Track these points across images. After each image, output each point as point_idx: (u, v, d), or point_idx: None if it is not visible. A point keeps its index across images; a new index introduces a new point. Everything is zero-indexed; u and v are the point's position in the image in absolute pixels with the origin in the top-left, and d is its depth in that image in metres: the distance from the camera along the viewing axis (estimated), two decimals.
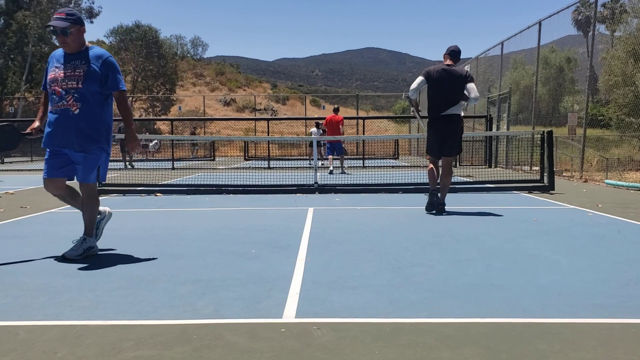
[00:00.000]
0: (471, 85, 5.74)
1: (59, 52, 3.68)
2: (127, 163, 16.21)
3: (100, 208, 4.02)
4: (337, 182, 9.26)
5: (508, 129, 14.66)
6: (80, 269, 3.41)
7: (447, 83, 5.72)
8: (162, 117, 35.72)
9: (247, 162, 21.06)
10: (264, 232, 4.72)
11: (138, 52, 37.65)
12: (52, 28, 3.54)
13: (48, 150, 3.71)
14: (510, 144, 14.48)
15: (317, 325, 2.33)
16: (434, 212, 5.77)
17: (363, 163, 16.64)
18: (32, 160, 22.58)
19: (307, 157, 19.30)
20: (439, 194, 5.84)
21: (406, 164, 17.20)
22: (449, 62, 5.90)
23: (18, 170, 16.23)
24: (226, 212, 6.14)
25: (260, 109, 45.35)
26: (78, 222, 5.48)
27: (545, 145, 8.14)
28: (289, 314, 2.48)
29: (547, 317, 2.42)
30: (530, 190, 8.20)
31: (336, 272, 3.27)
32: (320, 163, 14.63)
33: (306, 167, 14.74)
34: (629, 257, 3.63)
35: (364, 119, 22.82)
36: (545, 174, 8.20)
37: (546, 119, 14.22)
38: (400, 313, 2.49)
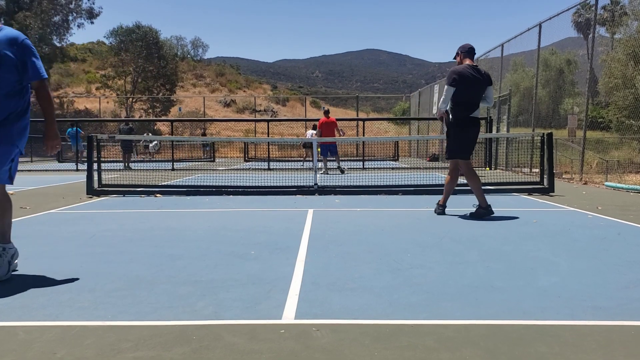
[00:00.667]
0: (491, 89, 5.64)
1: None
2: (126, 164, 16.19)
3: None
4: (337, 184, 9.26)
5: (508, 131, 14.66)
6: (79, 269, 3.40)
7: (478, 84, 5.54)
8: (162, 117, 35.71)
9: (247, 163, 21.07)
10: (264, 234, 4.71)
11: (138, 52, 37.61)
12: None
13: None
14: (510, 145, 14.48)
15: (316, 327, 2.32)
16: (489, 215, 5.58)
17: (363, 164, 16.64)
18: (32, 161, 22.57)
19: (302, 159, 19.38)
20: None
21: (406, 166, 17.21)
22: (469, 61, 5.66)
23: (17, 170, 16.19)
24: (226, 213, 6.13)
25: (260, 110, 45.35)
26: (78, 222, 5.49)
27: (545, 147, 8.14)
28: (289, 315, 2.48)
29: (546, 319, 2.42)
30: (530, 192, 8.20)
31: (336, 273, 3.27)
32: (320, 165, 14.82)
33: (306, 169, 14.74)
34: (628, 260, 3.62)
35: (364, 120, 22.83)
36: (545, 176, 8.20)
37: (546, 121, 14.22)
38: (400, 314, 2.49)
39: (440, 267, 3.41)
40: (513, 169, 13.66)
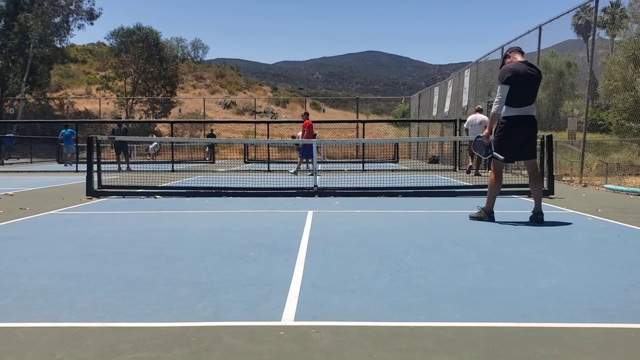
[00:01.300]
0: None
1: None
2: (121, 166, 16.10)
3: None
4: (336, 186, 9.26)
5: None
6: (79, 271, 3.40)
7: (532, 80, 5.31)
8: (162, 119, 35.73)
9: (247, 164, 21.06)
10: (264, 235, 4.71)
11: (139, 54, 37.65)
12: None
13: None
14: None
15: (316, 329, 2.32)
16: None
17: (363, 166, 16.64)
18: (31, 162, 22.58)
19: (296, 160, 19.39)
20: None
21: (406, 168, 17.21)
22: (520, 58, 5.46)
23: (17, 171, 16.22)
24: (226, 215, 6.13)
25: (260, 112, 45.37)
26: (78, 223, 5.49)
27: (545, 149, 8.14)
28: (288, 317, 2.48)
29: (546, 322, 2.41)
30: (529, 194, 8.20)
31: (335, 275, 3.27)
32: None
33: (305, 170, 14.74)
34: (628, 262, 3.62)
35: (364, 122, 22.85)
36: (545, 179, 8.19)
37: (546, 123, 14.21)
38: (399, 316, 2.49)
39: (440, 269, 3.41)
40: (513, 171, 13.66)
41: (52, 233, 4.89)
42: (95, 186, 8.38)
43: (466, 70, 19.28)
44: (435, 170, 15.78)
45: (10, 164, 21.43)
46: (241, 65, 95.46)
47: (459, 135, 16.30)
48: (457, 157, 16.16)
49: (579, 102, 15.56)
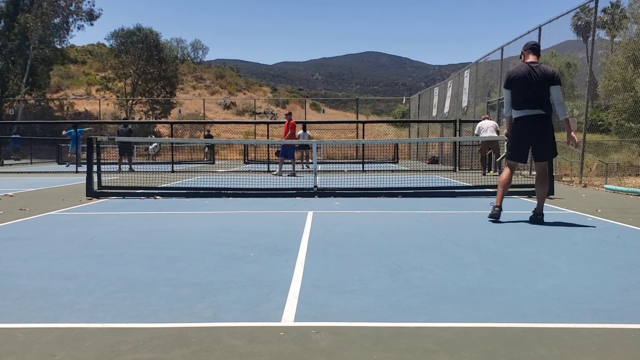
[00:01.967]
0: (555, 90, 5.40)
1: None
2: (124, 167, 16.13)
3: None
4: (336, 186, 9.26)
5: None
6: (79, 271, 3.40)
7: (534, 81, 5.35)
8: (162, 120, 35.73)
9: (247, 165, 21.06)
10: (263, 236, 4.71)
11: (139, 55, 37.61)
12: None
13: None
14: None
15: (316, 329, 2.32)
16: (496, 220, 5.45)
17: (363, 167, 16.63)
18: (31, 163, 22.57)
19: (301, 161, 19.37)
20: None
21: (406, 168, 17.21)
22: (531, 58, 5.52)
23: (17, 172, 16.22)
24: (225, 215, 6.13)
25: (260, 113, 45.37)
26: (78, 224, 5.49)
27: None
28: (288, 318, 2.48)
29: (546, 322, 2.42)
30: (529, 195, 8.19)
31: (335, 275, 3.27)
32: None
33: (305, 171, 14.74)
34: (628, 262, 3.63)
35: (363, 122, 22.85)
36: None
37: None
38: (399, 317, 2.49)
39: (440, 270, 3.41)
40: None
41: (52, 234, 4.89)
42: (95, 187, 8.38)
43: (466, 71, 19.30)
44: (435, 170, 15.78)
45: (10, 164, 21.42)
46: (241, 66, 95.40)
47: (459, 135, 16.31)
48: (457, 158, 16.16)
49: (578, 102, 15.55)
